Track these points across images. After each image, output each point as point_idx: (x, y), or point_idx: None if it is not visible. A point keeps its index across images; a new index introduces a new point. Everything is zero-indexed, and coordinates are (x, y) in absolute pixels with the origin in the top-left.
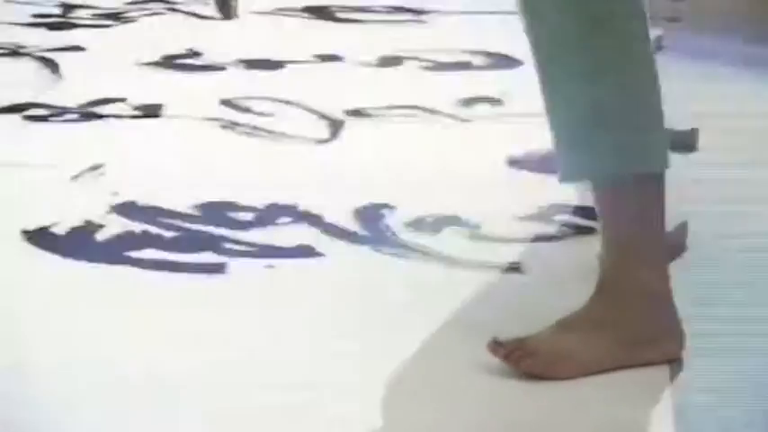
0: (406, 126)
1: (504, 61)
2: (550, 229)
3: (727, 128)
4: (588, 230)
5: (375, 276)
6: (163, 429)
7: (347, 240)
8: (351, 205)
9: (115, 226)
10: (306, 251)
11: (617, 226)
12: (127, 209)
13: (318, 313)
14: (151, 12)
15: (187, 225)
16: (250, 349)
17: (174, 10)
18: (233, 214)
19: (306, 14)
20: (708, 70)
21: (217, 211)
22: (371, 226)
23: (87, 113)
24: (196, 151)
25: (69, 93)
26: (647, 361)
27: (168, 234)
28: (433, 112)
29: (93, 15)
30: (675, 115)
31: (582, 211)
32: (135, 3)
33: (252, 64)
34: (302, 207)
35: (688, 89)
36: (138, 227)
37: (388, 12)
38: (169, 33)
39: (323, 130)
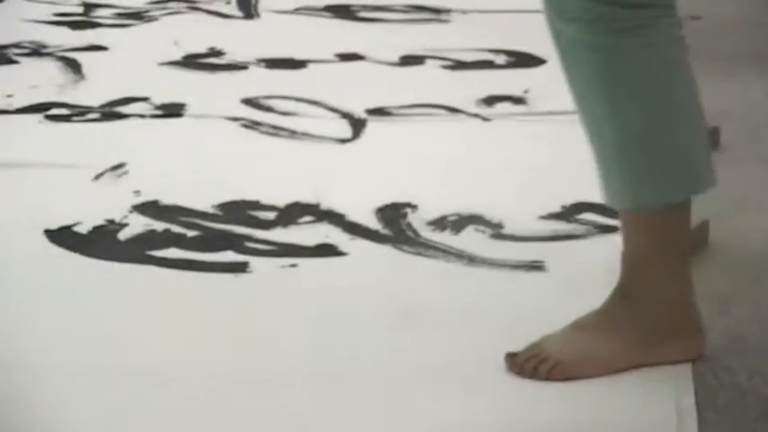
0: (427, 125)
1: (526, 60)
2: (573, 228)
3: (749, 126)
4: (611, 229)
5: (397, 275)
6: (180, 427)
7: (369, 239)
8: (373, 204)
9: (137, 225)
10: (328, 250)
11: (641, 235)
12: (149, 208)
13: (341, 311)
14: (173, 11)
15: (209, 224)
16: (273, 347)
17: (195, 9)
18: (255, 213)
19: (327, 13)
20: (729, 68)
21: (239, 211)
22: (393, 225)
23: (109, 113)
24: (218, 150)
25: (92, 92)
26: (666, 359)
27: (191, 233)
28: (455, 110)
29: (115, 15)
30: None
31: (605, 209)
32: (156, 2)
33: (273, 63)
34: (324, 206)
35: (708, 87)
36: (160, 226)
37: (409, 11)
38: (191, 32)
39: (345, 130)
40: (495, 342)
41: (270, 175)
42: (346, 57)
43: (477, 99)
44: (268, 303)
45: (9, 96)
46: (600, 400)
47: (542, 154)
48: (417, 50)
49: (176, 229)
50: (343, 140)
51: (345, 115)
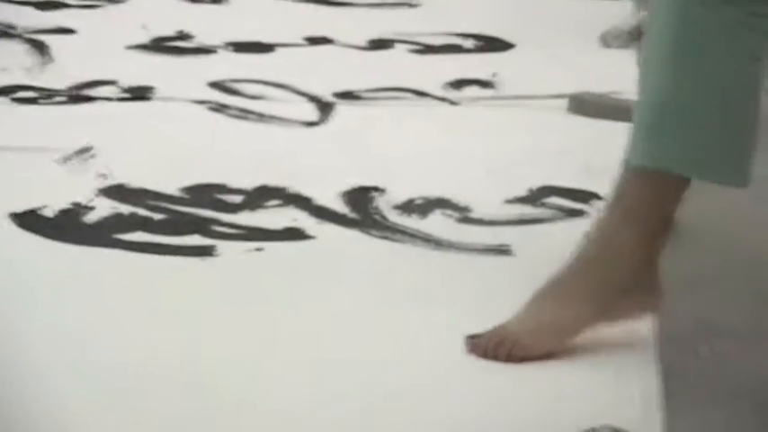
0: (395, 109)
1: (495, 44)
2: (540, 212)
3: None
4: (578, 213)
5: (365, 259)
6: (148, 411)
7: (337, 223)
8: (340, 188)
9: (104, 208)
10: (295, 234)
11: (637, 196)
12: (115, 191)
13: (308, 295)
14: None
15: (176, 207)
16: (240, 331)
17: None
18: (222, 197)
19: None
20: None
21: (206, 194)
22: (361, 208)
23: (77, 96)
24: (185, 134)
25: (59, 75)
26: (625, 313)
27: (157, 216)
28: (422, 94)
29: None
30: None
31: (572, 193)
32: None
33: (242, 47)
34: (292, 190)
35: None
36: (126, 209)
37: None
38: (159, 15)
39: (313, 113)
40: (463, 326)
41: (237, 158)
42: (315, 40)
43: (445, 83)
44: (235, 287)
45: None
46: (562, 384)
47: (510, 138)
48: (386, 34)
49: (143, 212)
50: (311, 124)
51: (313, 99)
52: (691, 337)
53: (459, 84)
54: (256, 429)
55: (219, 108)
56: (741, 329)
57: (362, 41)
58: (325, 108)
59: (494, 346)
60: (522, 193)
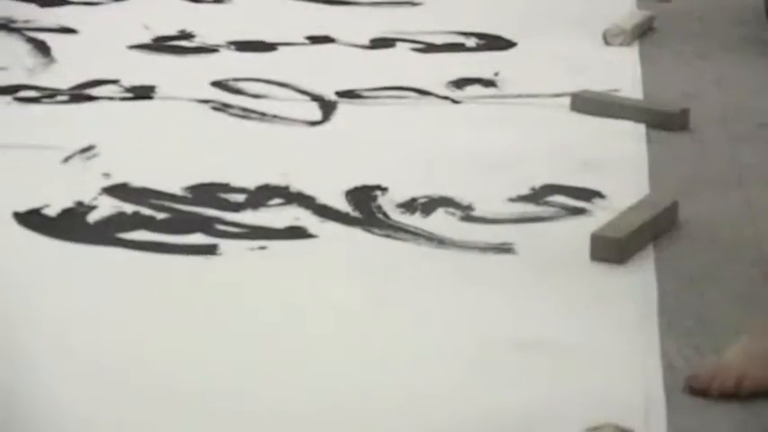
0: (397, 107)
1: (497, 43)
2: (542, 210)
3: (718, 108)
4: (580, 211)
5: (367, 258)
6: (150, 409)
7: (339, 222)
8: (343, 186)
9: (107, 207)
10: (298, 232)
11: None
12: (118, 190)
13: (311, 294)
14: None
15: (179, 206)
16: (243, 330)
17: None
18: (225, 196)
19: None
20: (699, 50)
21: (208, 193)
22: (363, 207)
23: (79, 95)
24: (188, 133)
25: (61, 75)
26: None
27: (160, 215)
28: (425, 93)
29: None
30: (667, 95)
31: (574, 191)
32: None
33: (244, 46)
34: (294, 188)
35: (679, 69)
36: (129, 208)
37: None
38: (161, 14)
39: (315, 112)
40: (465, 324)
41: (240, 157)
42: (317, 39)
43: (448, 82)
44: (238, 286)
45: None
46: (567, 383)
47: (512, 136)
48: (388, 33)
49: (146, 211)
50: (314, 123)
51: (316, 98)
52: (693, 333)
53: (461, 82)
54: (259, 427)
55: (222, 107)
56: (743, 326)
57: (364, 40)
58: (327, 107)
59: (720, 381)
60: (525, 191)
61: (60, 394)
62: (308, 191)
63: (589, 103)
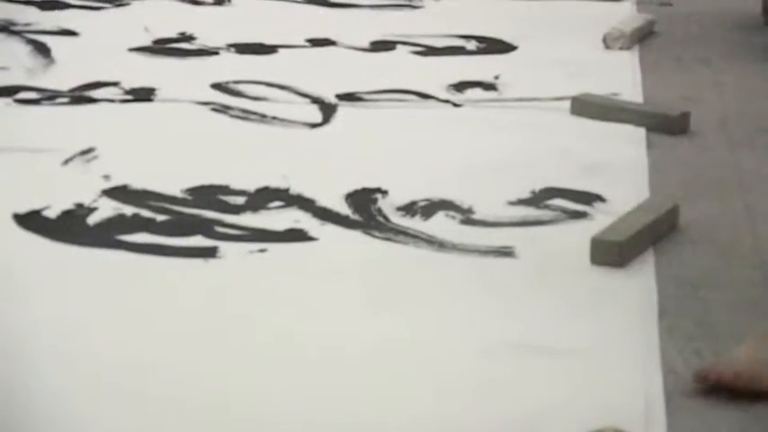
0: (398, 110)
1: (497, 46)
2: (543, 214)
3: (718, 112)
4: (581, 215)
5: (367, 261)
6: (149, 410)
7: (339, 224)
8: (343, 189)
9: (107, 209)
10: (298, 235)
11: None
12: (119, 192)
13: (311, 296)
14: None
15: (179, 208)
16: (244, 332)
17: None
18: (225, 198)
19: None
20: (699, 54)
21: (208, 195)
22: (363, 210)
23: (79, 97)
24: (188, 135)
25: (61, 76)
26: None
27: (160, 217)
28: (425, 96)
29: None
30: (667, 99)
31: (575, 195)
32: None
33: (244, 48)
34: (294, 191)
35: (680, 73)
36: (129, 210)
37: None
38: (162, 17)
39: (315, 115)
40: (465, 327)
41: (240, 159)
42: (317, 42)
43: (448, 85)
44: (238, 288)
45: None
46: (568, 386)
47: (512, 140)
48: (388, 36)
49: (146, 213)
50: (314, 125)
51: (316, 100)
52: (693, 337)
53: (461, 86)
54: (258, 429)
55: (222, 109)
56: (743, 330)
57: (365, 43)
58: (327, 110)
59: (720, 371)
60: (525, 194)
61: (59, 395)
62: (309, 193)
63: (589, 107)
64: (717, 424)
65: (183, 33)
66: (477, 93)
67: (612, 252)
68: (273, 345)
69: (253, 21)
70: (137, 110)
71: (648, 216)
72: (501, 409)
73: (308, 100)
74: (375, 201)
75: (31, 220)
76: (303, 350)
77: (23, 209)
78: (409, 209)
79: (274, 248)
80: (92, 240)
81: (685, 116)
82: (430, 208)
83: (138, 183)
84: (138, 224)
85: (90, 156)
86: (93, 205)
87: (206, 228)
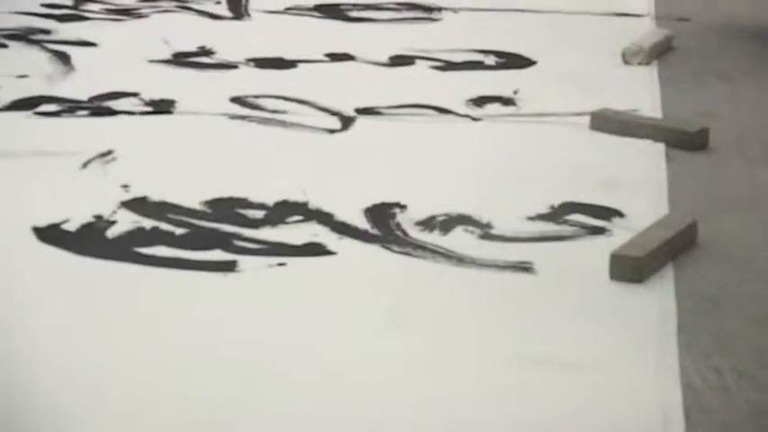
0: (417, 125)
1: (516, 61)
2: (561, 229)
3: (736, 127)
4: (599, 230)
5: (386, 275)
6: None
7: (358, 239)
8: (362, 204)
9: (126, 223)
10: (317, 249)
11: None
12: (138, 205)
13: (329, 310)
14: (163, 9)
15: (198, 222)
16: (262, 346)
17: (186, 8)
18: (244, 211)
19: (317, 13)
20: (718, 70)
21: (227, 209)
22: (382, 224)
23: (99, 109)
24: (207, 148)
25: (81, 85)
26: None
27: (179, 231)
28: (444, 111)
29: (105, 10)
30: (686, 114)
31: (594, 210)
32: (147, 0)
33: (264, 63)
34: (313, 205)
35: (698, 89)
36: (148, 223)
37: (400, 9)
38: (181, 31)
39: (334, 129)
40: (483, 342)
41: (259, 173)
42: (336, 57)
43: (467, 99)
44: (257, 302)
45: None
46: (586, 400)
47: (531, 155)
48: (407, 51)
49: (165, 226)
50: (333, 140)
51: (335, 114)
52: (712, 353)
53: (480, 100)
54: None
55: (241, 123)
56: (761, 346)
57: (384, 58)
58: (346, 124)
59: None
60: (544, 209)
61: (76, 408)
62: (327, 208)
63: (608, 122)
64: None
65: (202, 47)
66: (495, 107)
67: (631, 267)
68: (292, 358)
69: (271, 35)
70: (156, 121)
71: (667, 231)
72: (519, 423)
73: (326, 114)
74: (394, 215)
75: (51, 233)
76: (321, 363)
77: (43, 221)
78: (428, 223)
79: (293, 262)
80: (111, 254)
81: (704, 132)
82: (449, 222)
83: (156, 195)
84: (156, 237)
85: (108, 162)
86: (113, 218)
87: (225, 241)
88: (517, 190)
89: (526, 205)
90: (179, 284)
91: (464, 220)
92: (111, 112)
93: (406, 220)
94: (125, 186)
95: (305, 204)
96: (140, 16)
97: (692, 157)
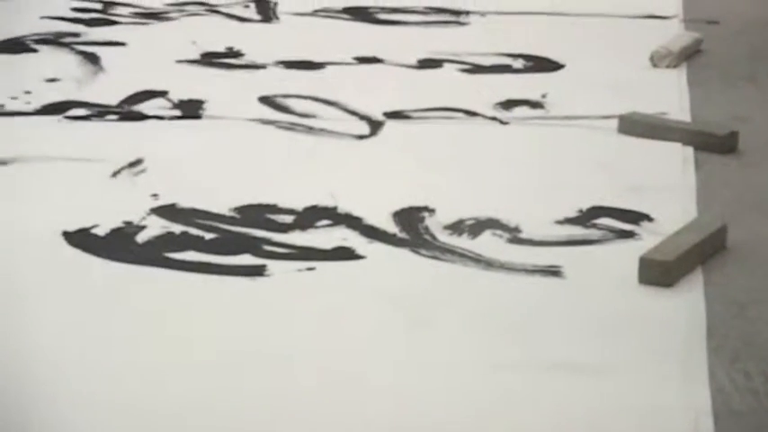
0: (445, 128)
1: (544, 64)
2: (590, 233)
3: (765, 129)
4: (628, 234)
5: (415, 279)
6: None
7: (387, 243)
8: (390, 208)
9: (155, 228)
10: (346, 253)
11: None
12: (167, 210)
13: (359, 314)
14: (191, 13)
15: (227, 227)
16: (292, 351)
17: (214, 12)
18: (273, 216)
19: (345, 16)
20: (747, 72)
21: (256, 214)
22: (411, 228)
23: (128, 114)
24: (236, 152)
25: (110, 87)
26: None
27: (208, 236)
28: (472, 114)
29: (133, 14)
30: (715, 117)
31: (622, 214)
32: (175, 4)
33: (292, 64)
34: (342, 209)
35: (727, 92)
36: (178, 228)
37: (428, 12)
38: (209, 34)
39: (363, 132)
40: (512, 346)
41: (287, 178)
42: (364, 59)
43: (495, 103)
44: (286, 306)
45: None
46: (615, 404)
47: (559, 158)
48: (435, 54)
49: (194, 231)
50: (361, 143)
51: (363, 118)
52: (741, 357)
53: (508, 104)
54: None
55: (270, 128)
56: None
57: (412, 61)
58: (374, 127)
59: None
60: (573, 213)
61: (102, 410)
62: (356, 212)
63: (637, 126)
64: None
65: (230, 48)
66: (524, 111)
67: (660, 272)
68: (320, 362)
69: (300, 38)
70: (185, 126)
71: (696, 235)
72: (548, 428)
73: (355, 118)
74: (422, 219)
75: (80, 238)
76: (349, 367)
77: (73, 227)
78: (456, 227)
79: (322, 267)
80: (140, 258)
81: (733, 135)
82: (477, 226)
83: (186, 201)
84: (186, 242)
85: (138, 172)
86: (142, 223)
87: (254, 246)
88: (545, 194)
89: (554, 209)
90: (208, 289)
91: (492, 223)
92: (141, 117)
93: (434, 223)
94: (154, 195)
95: (334, 209)
96: (168, 19)
97: (721, 161)
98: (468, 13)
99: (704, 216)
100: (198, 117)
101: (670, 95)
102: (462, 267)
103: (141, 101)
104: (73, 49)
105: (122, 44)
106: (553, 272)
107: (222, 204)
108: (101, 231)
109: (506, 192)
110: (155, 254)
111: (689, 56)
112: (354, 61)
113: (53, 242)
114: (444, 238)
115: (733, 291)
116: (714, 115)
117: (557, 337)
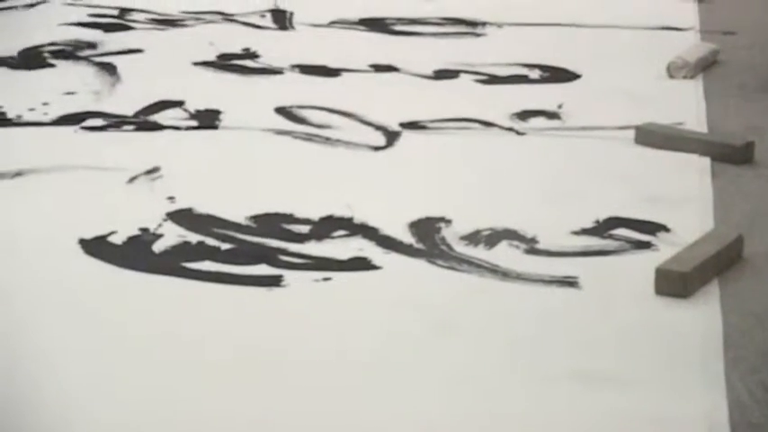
0: (461, 139)
1: (561, 75)
2: (607, 244)
3: None
4: (645, 245)
5: (431, 289)
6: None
7: (403, 253)
8: (407, 218)
9: (172, 236)
10: (362, 264)
11: None
12: (183, 220)
13: (375, 325)
14: (207, 21)
15: (243, 237)
16: (308, 361)
17: (230, 20)
18: (289, 226)
19: (362, 27)
20: (763, 83)
21: (273, 224)
22: (427, 239)
23: (144, 123)
24: (252, 164)
25: (127, 97)
26: None
27: (225, 246)
28: (488, 124)
29: (150, 20)
30: (731, 128)
31: (639, 225)
32: (191, 12)
33: (308, 69)
34: (358, 220)
35: (744, 102)
36: (194, 238)
37: (444, 23)
38: (225, 38)
39: (379, 143)
40: (527, 357)
41: (304, 189)
42: (380, 68)
43: (511, 113)
44: (302, 317)
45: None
46: (632, 415)
47: (576, 169)
48: (451, 64)
49: (210, 241)
50: (377, 154)
51: (379, 128)
52: (758, 368)
53: (525, 114)
54: None
55: (286, 139)
56: None
57: (428, 71)
58: (391, 137)
59: None
60: (589, 224)
61: (117, 422)
62: (372, 222)
63: (653, 136)
64: None
65: (247, 49)
66: (540, 121)
67: (677, 282)
68: (337, 372)
69: (315, 46)
70: (202, 137)
71: (713, 246)
72: None
73: (371, 128)
74: (439, 229)
75: (97, 246)
76: (366, 377)
77: (89, 234)
78: (473, 238)
79: (338, 277)
80: (156, 267)
81: (750, 146)
82: (493, 237)
83: (202, 211)
84: (202, 252)
85: (155, 179)
86: (159, 231)
87: (270, 256)
88: (562, 204)
89: (571, 220)
90: (224, 299)
91: (509, 234)
92: (157, 127)
93: (450, 234)
94: (170, 197)
95: (350, 219)
96: (185, 26)
97: (738, 172)
98: (484, 24)
99: (721, 227)
100: (214, 128)
101: (686, 106)
102: (479, 278)
103: (158, 111)
104: (91, 61)
105: (139, 51)
106: (570, 283)
107: (239, 214)
108: (117, 240)
109: (523, 202)
110: (171, 263)
111: (705, 67)
112: (370, 69)
113: (70, 250)
114: (461, 248)
115: (750, 302)
116: (730, 126)
117: (573, 348)
